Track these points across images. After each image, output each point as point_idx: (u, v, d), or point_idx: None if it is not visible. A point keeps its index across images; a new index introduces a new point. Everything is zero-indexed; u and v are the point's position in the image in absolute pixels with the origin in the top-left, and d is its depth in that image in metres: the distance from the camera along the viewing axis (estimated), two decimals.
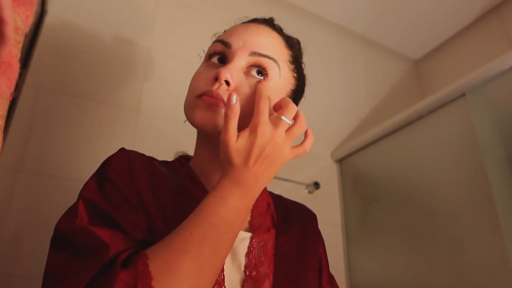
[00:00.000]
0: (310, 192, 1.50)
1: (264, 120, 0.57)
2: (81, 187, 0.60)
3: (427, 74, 2.07)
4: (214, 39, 0.74)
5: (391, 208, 1.41)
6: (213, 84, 0.64)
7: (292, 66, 0.72)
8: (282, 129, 0.58)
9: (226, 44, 0.68)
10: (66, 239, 0.52)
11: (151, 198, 0.59)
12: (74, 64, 1.23)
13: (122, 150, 0.66)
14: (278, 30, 0.74)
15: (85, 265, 0.47)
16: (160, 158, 1.21)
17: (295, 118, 0.61)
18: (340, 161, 1.63)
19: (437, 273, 1.18)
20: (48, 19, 1.22)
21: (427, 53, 2.09)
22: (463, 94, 1.20)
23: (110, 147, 1.17)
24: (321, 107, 1.72)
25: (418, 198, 1.32)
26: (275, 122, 0.58)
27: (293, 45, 0.75)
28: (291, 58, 0.72)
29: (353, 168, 1.58)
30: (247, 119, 0.59)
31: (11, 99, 0.65)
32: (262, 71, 0.66)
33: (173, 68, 1.41)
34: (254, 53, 0.66)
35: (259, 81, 0.64)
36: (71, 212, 0.55)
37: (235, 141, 0.56)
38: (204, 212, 0.53)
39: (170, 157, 1.21)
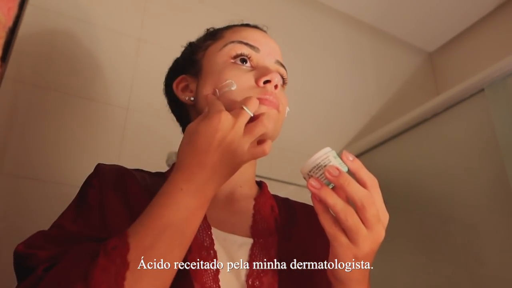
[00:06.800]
0: None
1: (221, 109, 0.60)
2: (65, 191, 0.63)
3: (442, 67, 2.07)
4: (214, 32, 0.77)
5: (403, 214, 1.38)
6: (263, 86, 0.67)
7: None
8: (242, 120, 0.58)
9: (253, 47, 0.71)
10: None
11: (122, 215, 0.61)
12: (58, 57, 1.21)
13: (96, 167, 0.68)
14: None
15: None
16: (151, 159, 1.19)
17: (256, 116, 0.59)
18: None
19: (454, 286, 1.17)
20: (29, 8, 1.20)
21: (442, 44, 2.08)
22: (482, 90, 1.19)
23: (97, 147, 1.21)
24: (328, 103, 1.70)
25: (432, 203, 1.32)
26: (236, 112, 0.58)
27: None
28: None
29: None
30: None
31: None
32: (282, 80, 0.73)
33: (166, 61, 1.37)
34: (277, 62, 0.72)
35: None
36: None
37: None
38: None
39: (162, 158, 1.20)
